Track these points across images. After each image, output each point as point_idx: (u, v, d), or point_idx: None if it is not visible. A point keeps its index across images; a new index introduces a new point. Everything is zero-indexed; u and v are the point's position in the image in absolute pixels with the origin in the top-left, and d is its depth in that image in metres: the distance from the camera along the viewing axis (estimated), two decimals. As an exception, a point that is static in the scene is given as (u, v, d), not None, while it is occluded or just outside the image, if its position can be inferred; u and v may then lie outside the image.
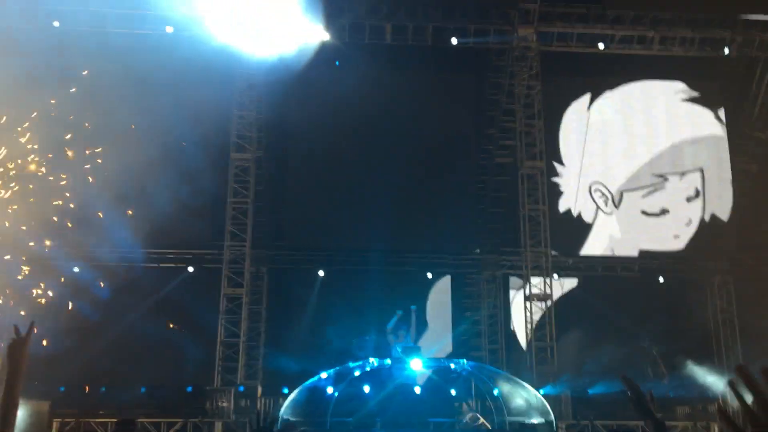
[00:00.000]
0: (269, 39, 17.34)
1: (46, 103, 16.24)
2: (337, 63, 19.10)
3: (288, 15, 17.37)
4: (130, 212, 17.04)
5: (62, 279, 17.52)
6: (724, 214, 20.27)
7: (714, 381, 18.22)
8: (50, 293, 16.63)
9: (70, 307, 16.24)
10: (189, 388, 16.26)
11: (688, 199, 20.18)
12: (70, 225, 16.99)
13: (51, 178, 16.89)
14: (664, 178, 20.16)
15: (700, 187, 20.21)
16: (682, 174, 20.24)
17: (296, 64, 17.75)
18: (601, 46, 19.02)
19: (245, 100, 18.18)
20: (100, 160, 16.87)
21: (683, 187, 20.23)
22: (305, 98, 19.22)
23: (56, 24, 17.65)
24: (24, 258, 17.01)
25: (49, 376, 16.14)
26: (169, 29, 17.73)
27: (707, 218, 20.19)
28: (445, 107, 20.36)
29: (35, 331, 3.34)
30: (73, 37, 17.09)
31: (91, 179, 17.48)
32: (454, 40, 18.91)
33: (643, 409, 2.72)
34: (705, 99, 20.60)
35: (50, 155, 16.65)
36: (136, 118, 17.05)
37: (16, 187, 16.11)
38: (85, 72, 16.91)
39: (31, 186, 16.29)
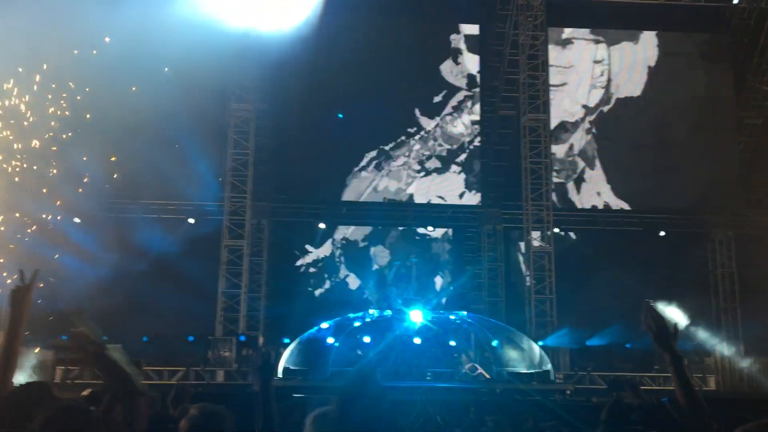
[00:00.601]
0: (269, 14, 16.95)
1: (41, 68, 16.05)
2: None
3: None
4: (113, 158, 16.87)
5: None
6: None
7: (705, 338, 18.40)
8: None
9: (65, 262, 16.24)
10: (191, 338, 16.42)
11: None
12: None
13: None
14: None
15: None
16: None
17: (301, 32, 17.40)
18: (608, -6, 18.65)
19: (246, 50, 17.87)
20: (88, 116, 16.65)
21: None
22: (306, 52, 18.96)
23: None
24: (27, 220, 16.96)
25: (50, 326, 16.30)
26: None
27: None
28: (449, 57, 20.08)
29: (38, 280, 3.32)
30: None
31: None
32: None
33: (664, 340, 2.72)
34: (712, 51, 20.22)
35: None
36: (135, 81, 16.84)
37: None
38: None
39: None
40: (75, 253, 16.05)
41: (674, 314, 18.27)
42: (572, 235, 19.78)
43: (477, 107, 20.25)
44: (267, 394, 3.12)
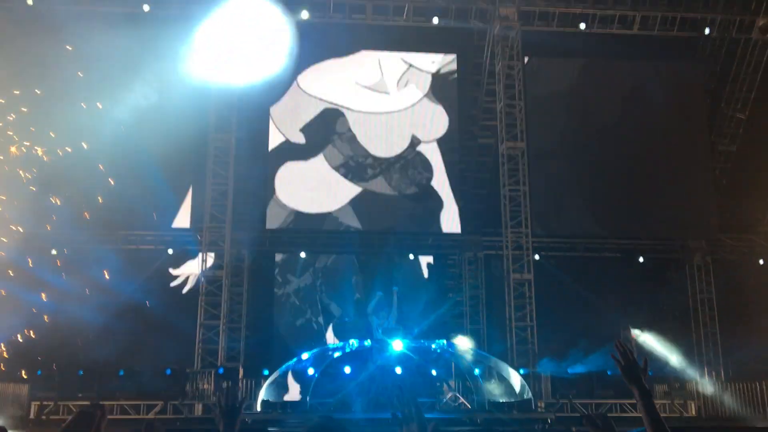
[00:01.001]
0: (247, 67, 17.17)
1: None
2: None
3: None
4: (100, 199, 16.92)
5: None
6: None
7: (681, 366, 18.50)
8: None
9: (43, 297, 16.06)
10: (168, 371, 16.20)
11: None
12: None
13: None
14: None
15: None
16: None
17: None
18: (582, 26, 18.95)
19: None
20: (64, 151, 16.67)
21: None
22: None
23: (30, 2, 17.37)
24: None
25: (26, 362, 16.08)
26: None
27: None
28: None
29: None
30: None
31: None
32: (435, 20, 18.80)
33: (633, 375, 2.72)
34: (685, 81, 20.58)
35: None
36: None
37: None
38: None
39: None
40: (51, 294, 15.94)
41: (651, 342, 18.39)
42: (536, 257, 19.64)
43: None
44: None
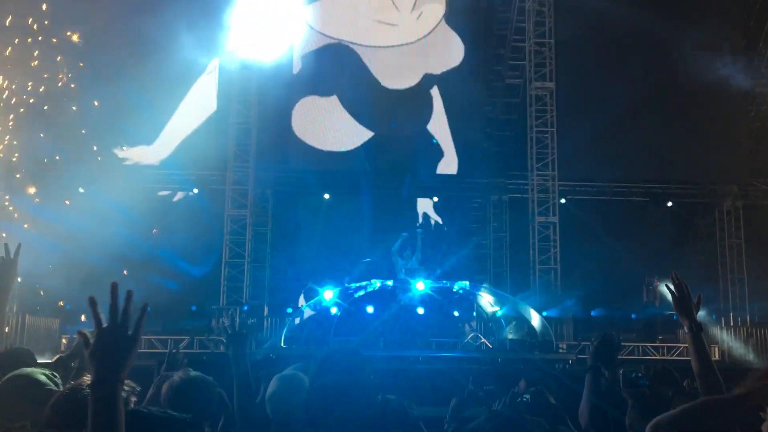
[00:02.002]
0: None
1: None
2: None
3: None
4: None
5: (67, 201, 17.57)
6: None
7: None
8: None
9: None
10: (193, 307, 16.46)
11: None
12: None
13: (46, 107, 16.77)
14: None
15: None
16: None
17: None
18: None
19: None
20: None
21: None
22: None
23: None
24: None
25: (55, 296, 16.43)
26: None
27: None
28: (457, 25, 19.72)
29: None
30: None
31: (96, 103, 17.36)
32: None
33: (685, 307, 2.74)
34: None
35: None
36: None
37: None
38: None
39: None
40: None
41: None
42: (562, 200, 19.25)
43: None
44: (240, 363, 3.03)
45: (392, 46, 19.58)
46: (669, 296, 2.82)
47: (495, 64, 19.99)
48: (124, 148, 18.48)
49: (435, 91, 19.64)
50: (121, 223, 16.49)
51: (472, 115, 19.84)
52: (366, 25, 19.46)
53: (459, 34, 19.70)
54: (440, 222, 20.13)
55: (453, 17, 19.68)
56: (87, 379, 2.12)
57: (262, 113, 18.17)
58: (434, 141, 19.38)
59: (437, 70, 19.61)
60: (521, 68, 19.03)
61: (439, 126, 19.67)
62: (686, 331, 2.73)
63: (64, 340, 15.95)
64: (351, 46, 19.40)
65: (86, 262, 14.97)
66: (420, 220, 20.05)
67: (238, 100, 17.74)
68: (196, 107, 18.67)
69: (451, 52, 19.62)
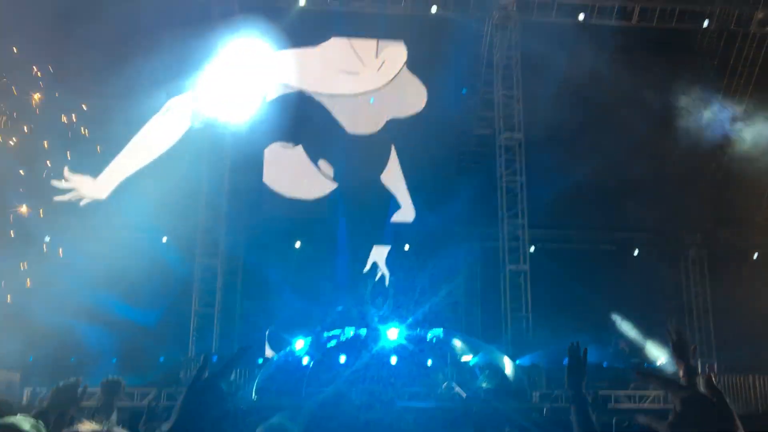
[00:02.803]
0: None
1: None
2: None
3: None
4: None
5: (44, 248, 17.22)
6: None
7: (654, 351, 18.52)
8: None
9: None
10: (161, 358, 16.09)
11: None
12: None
13: None
14: None
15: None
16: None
17: None
18: (581, 17, 18.89)
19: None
20: None
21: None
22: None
23: None
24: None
25: (18, 347, 15.91)
26: None
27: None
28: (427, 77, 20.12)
29: None
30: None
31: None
32: (434, 9, 18.72)
33: (683, 352, 2.77)
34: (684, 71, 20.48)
35: None
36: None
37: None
38: None
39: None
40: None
41: (629, 329, 18.44)
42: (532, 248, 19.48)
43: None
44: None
45: (355, 95, 19.89)
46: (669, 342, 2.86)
47: (464, 113, 20.32)
48: (65, 175, 18.10)
49: (397, 138, 19.96)
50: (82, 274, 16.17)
51: (439, 162, 20.06)
52: (329, 75, 19.75)
53: (422, 81, 20.08)
54: (386, 274, 20.00)
55: (415, 65, 20.07)
56: (84, 427, 2.05)
57: (232, 162, 18.18)
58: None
59: (401, 114, 19.94)
60: (490, 119, 19.42)
61: (395, 175, 19.93)
62: (682, 375, 2.76)
63: (26, 393, 15.39)
64: (315, 96, 19.66)
65: (44, 316, 14.61)
66: (367, 267, 19.92)
67: (211, 150, 17.73)
68: (146, 146, 18.58)
69: (413, 98, 20.02)
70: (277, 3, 18.46)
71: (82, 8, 16.14)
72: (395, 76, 19.96)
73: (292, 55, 19.37)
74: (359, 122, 19.73)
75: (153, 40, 16.31)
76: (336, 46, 19.75)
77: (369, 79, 19.82)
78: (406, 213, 19.92)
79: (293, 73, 19.46)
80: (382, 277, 17.29)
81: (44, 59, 16.74)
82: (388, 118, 19.94)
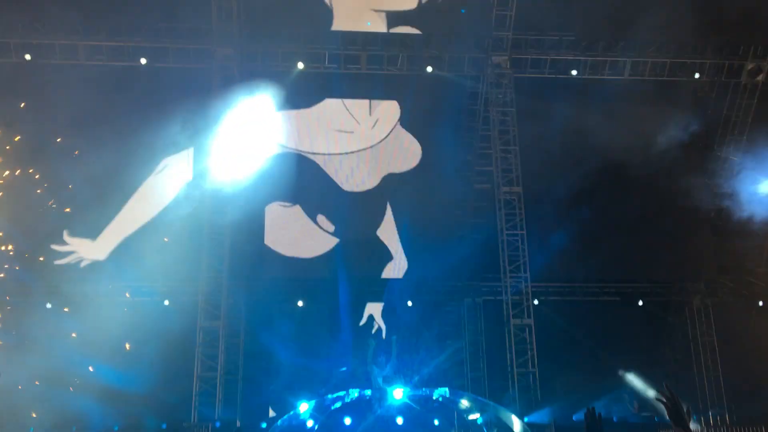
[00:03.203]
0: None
1: None
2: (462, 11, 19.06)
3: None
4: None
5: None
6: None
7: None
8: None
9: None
10: (164, 425, 15.82)
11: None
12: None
13: None
14: None
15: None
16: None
17: None
18: (573, 72, 19.23)
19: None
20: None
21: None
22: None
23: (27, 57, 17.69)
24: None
25: (18, 422, 15.67)
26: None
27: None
28: (423, 133, 20.37)
29: None
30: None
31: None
32: (429, 69, 19.07)
33: (680, 417, 2.78)
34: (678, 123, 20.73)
35: None
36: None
37: None
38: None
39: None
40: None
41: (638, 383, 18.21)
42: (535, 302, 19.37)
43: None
44: None
45: (350, 153, 20.13)
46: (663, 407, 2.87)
47: (463, 170, 20.47)
48: (65, 239, 18.23)
49: (395, 193, 20.10)
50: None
51: (438, 217, 20.06)
52: (324, 134, 20.03)
53: (417, 138, 20.32)
54: (383, 327, 19.84)
55: (409, 122, 20.34)
56: None
57: (232, 222, 18.25)
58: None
59: (397, 170, 20.13)
60: (488, 174, 19.56)
61: (390, 230, 19.99)
62: None
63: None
64: (310, 156, 19.88)
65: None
66: (363, 320, 19.79)
67: (211, 210, 17.81)
68: (143, 205, 18.70)
69: (408, 154, 20.26)
70: (276, 67, 18.80)
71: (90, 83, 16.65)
72: (389, 133, 20.26)
73: (287, 116, 19.69)
74: (356, 179, 19.93)
75: (157, 110, 16.71)
76: (329, 106, 20.10)
77: (364, 136, 20.12)
78: (398, 267, 19.92)
79: (289, 134, 19.74)
80: (387, 336, 17.12)
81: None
82: (385, 174, 20.15)
